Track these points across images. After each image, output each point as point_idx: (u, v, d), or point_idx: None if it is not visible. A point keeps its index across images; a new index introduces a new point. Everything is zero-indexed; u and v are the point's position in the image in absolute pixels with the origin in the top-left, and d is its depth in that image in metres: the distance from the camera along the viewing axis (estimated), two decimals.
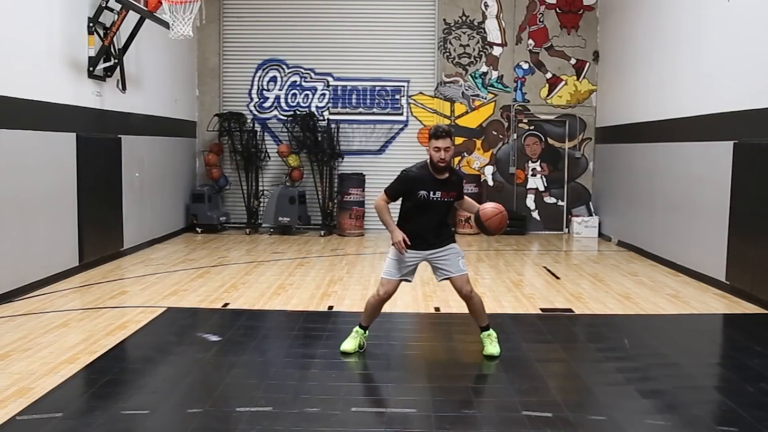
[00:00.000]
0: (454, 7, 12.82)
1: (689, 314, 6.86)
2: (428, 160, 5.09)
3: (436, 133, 4.99)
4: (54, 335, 5.72)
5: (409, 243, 5.05)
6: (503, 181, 13.05)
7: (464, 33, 12.85)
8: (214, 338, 5.77)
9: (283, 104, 13.07)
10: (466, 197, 5.45)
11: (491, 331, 5.38)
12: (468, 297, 5.30)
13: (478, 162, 13.02)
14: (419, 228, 5.14)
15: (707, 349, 5.95)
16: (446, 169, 5.07)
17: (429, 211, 5.12)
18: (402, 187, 5.13)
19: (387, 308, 6.88)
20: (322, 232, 12.27)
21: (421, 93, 13.00)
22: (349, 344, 5.29)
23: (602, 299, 7.39)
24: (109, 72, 9.08)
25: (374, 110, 12.98)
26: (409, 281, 5.35)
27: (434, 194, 5.07)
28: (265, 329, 6.32)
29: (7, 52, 6.94)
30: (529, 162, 13.10)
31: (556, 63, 12.88)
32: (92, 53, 8.59)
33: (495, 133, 12.99)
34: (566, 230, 12.98)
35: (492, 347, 5.28)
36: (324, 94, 13.03)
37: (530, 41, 12.86)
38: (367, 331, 5.39)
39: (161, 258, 9.66)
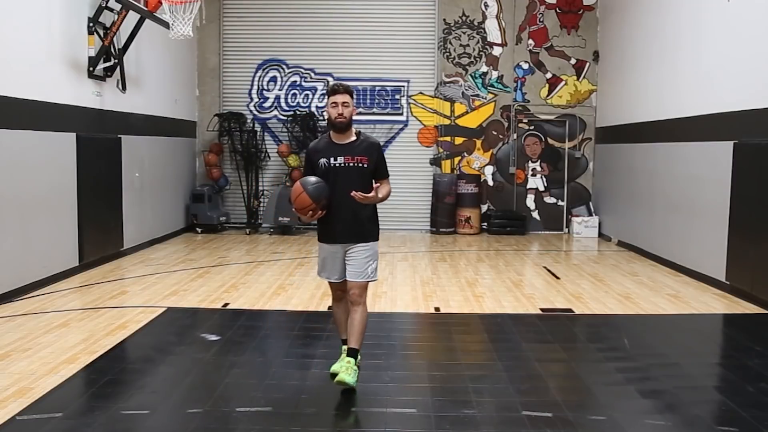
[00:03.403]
0: (454, 7, 12.82)
1: (689, 314, 6.86)
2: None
3: (333, 89, 4.52)
4: (54, 335, 5.72)
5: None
6: (503, 181, 13.05)
7: (464, 33, 12.85)
8: (214, 338, 5.77)
9: (283, 104, 13.07)
10: (387, 182, 4.63)
11: (353, 360, 4.57)
12: (355, 302, 4.58)
13: (478, 162, 13.02)
14: (330, 214, 4.51)
15: (707, 349, 5.95)
16: (348, 128, 4.53)
17: (338, 186, 4.45)
18: (306, 164, 4.65)
19: (387, 308, 6.93)
20: None
21: (421, 93, 13.00)
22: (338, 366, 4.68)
23: (602, 299, 7.39)
24: (109, 72, 9.08)
25: (374, 110, 12.97)
26: (338, 280, 4.66)
27: (336, 160, 4.49)
28: (265, 329, 6.32)
29: (7, 51, 6.94)
30: (529, 162, 13.10)
31: (556, 63, 12.88)
32: (92, 53, 8.59)
33: (495, 133, 12.99)
34: (566, 230, 12.98)
35: (347, 375, 4.46)
36: (324, 94, 13.03)
37: (530, 41, 12.86)
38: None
39: (161, 258, 9.66)
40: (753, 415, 4.19)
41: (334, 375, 4.66)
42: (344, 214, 4.50)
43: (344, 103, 4.49)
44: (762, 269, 6.99)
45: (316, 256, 9.98)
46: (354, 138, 4.58)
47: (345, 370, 4.49)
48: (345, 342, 4.77)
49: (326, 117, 4.63)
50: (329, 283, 4.77)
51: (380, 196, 4.53)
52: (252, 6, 13.00)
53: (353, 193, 4.35)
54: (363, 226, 4.57)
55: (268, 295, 7.41)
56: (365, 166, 4.52)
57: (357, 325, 4.56)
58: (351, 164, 4.50)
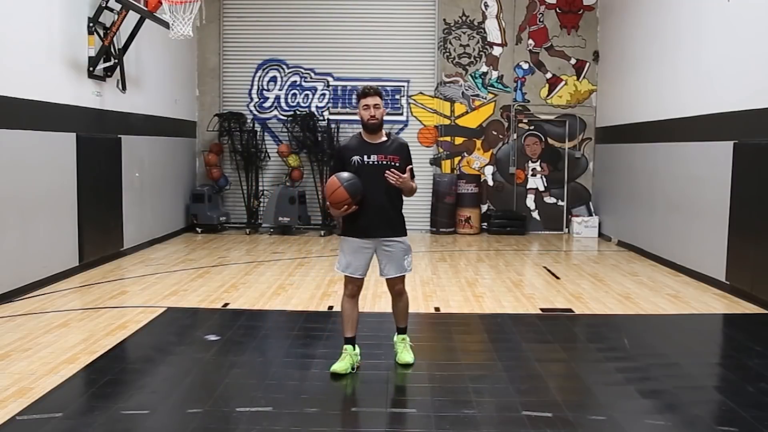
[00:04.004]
0: (454, 7, 12.82)
1: (689, 314, 6.86)
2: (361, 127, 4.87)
3: (364, 92, 4.77)
4: (54, 335, 5.72)
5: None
6: (503, 181, 13.05)
7: (464, 33, 12.85)
8: (214, 338, 5.77)
9: (283, 104, 13.07)
10: (414, 181, 4.84)
11: (406, 336, 5.17)
12: (398, 294, 5.05)
13: (478, 162, 13.02)
14: (360, 209, 4.71)
15: (707, 349, 5.95)
16: (379, 129, 4.81)
17: (370, 183, 4.68)
18: (337, 160, 4.90)
19: (387, 308, 6.91)
20: (322, 232, 12.28)
21: (421, 93, 13.00)
22: (340, 365, 4.85)
23: (602, 299, 7.39)
24: (109, 72, 9.08)
25: None
26: (362, 276, 4.91)
27: (369, 158, 4.75)
28: (265, 329, 6.32)
29: (7, 52, 6.94)
30: (529, 162, 13.10)
31: (556, 63, 12.88)
32: (92, 53, 8.59)
33: (495, 133, 12.99)
34: (566, 230, 12.98)
35: (407, 355, 5.06)
36: (324, 94, 13.03)
37: (530, 41, 12.86)
38: (357, 348, 4.99)
39: (161, 258, 9.66)
40: (753, 415, 4.19)
41: (336, 375, 4.79)
42: (375, 210, 4.76)
43: (375, 105, 4.75)
44: (762, 269, 6.99)
45: (317, 256, 9.98)
46: (385, 138, 4.87)
47: (402, 349, 5.07)
48: (348, 341, 4.94)
49: (359, 118, 4.86)
50: (349, 278, 4.89)
51: (410, 185, 4.78)
52: (252, 6, 13.00)
53: (387, 172, 4.64)
54: (393, 221, 4.87)
55: (268, 295, 7.41)
56: (396, 165, 4.75)
57: (404, 309, 5.11)
58: (384, 162, 4.75)
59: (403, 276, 4.99)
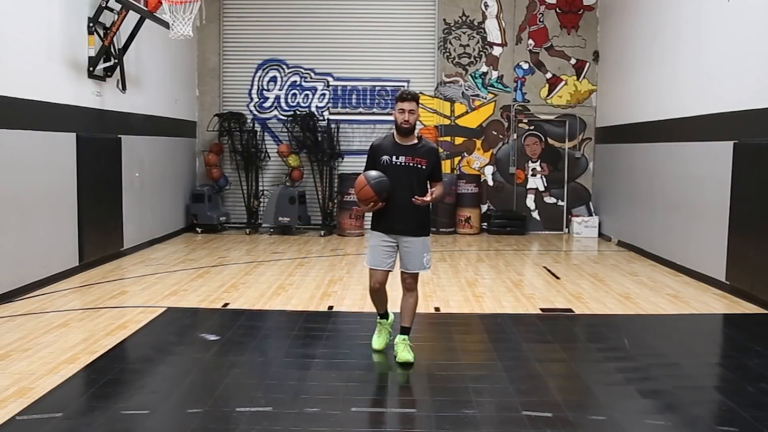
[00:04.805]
0: (454, 7, 12.82)
1: (689, 314, 6.86)
2: (394, 127, 5.08)
3: (402, 96, 4.98)
4: (54, 335, 5.72)
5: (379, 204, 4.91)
6: (503, 181, 13.05)
7: (464, 33, 12.85)
8: (214, 338, 5.77)
9: (283, 104, 13.07)
10: (441, 184, 5.14)
11: (407, 337, 5.20)
12: (409, 290, 5.20)
13: (478, 162, 13.02)
14: (387, 206, 4.95)
15: (707, 349, 5.95)
16: (411, 132, 5.00)
17: (396, 182, 4.90)
18: (369, 159, 5.10)
19: (387, 308, 6.92)
20: (322, 232, 12.28)
21: (421, 93, 12.98)
22: (378, 342, 5.36)
23: (602, 299, 7.40)
24: (109, 72, 9.07)
25: (374, 110, 12.97)
26: (383, 269, 5.10)
27: (397, 159, 4.97)
28: (265, 329, 6.32)
29: (7, 52, 6.94)
30: (529, 162, 13.10)
31: (556, 63, 12.88)
32: (92, 53, 8.59)
33: (495, 133, 12.99)
34: (566, 230, 12.98)
35: (407, 353, 5.09)
36: (324, 94, 13.03)
37: (530, 41, 12.86)
38: (390, 317, 5.40)
39: (161, 258, 9.66)
40: (753, 415, 4.19)
41: (378, 352, 5.27)
42: (400, 209, 4.97)
43: (411, 110, 4.95)
44: (762, 269, 6.99)
45: (317, 256, 10.00)
46: (416, 141, 5.06)
47: (402, 349, 5.09)
48: (381, 315, 5.36)
49: (393, 119, 5.07)
50: (373, 271, 5.10)
51: (434, 196, 5.00)
52: (252, 6, 13.00)
53: (413, 199, 4.87)
54: (418, 221, 5.07)
55: (268, 295, 7.41)
56: (423, 168, 4.99)
57: (412, 308, 5.21)
58: (411, 164, 4.98)
59: (417, 273, 5.14)
